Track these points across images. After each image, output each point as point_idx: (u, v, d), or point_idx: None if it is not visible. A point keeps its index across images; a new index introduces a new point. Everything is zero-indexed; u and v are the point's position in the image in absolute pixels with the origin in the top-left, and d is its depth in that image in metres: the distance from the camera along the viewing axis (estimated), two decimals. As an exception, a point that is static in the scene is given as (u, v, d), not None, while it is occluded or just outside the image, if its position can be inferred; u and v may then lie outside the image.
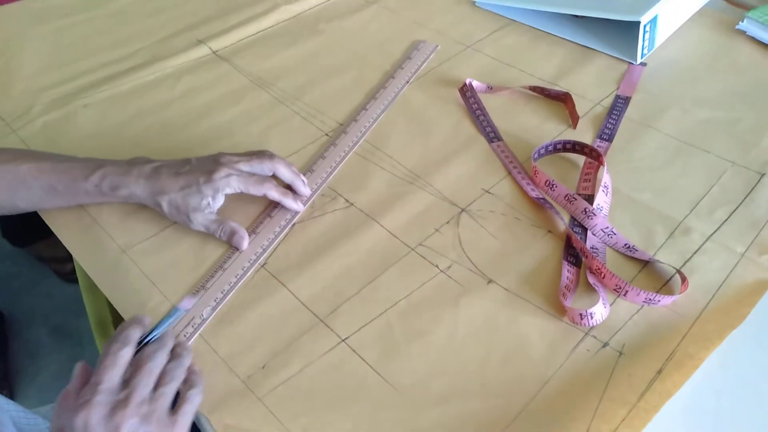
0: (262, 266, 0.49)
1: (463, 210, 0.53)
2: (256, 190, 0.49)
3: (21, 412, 0.51)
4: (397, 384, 0.41)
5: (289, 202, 0.51)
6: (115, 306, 0.47)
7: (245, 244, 0.49)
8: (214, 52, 0.72)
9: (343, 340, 0.44)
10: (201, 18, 0.78)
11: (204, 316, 0.45)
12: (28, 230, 1.22)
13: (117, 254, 0.50)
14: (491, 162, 0.57)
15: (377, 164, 0.57)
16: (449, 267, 0.48)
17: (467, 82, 0.65)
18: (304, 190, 0.53)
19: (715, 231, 0.50)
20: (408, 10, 0.78)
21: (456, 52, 0.71)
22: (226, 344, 0.44)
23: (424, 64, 0.69)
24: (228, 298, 0.46)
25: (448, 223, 0.52)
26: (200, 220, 0.49)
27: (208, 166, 0.50)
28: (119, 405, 0.34)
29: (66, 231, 0.53)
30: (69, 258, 1.28)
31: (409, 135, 0.60)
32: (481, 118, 0.62)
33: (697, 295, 0.45)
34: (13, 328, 1.22)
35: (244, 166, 0.50)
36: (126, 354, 0.37)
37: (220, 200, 0.50)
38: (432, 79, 0.67)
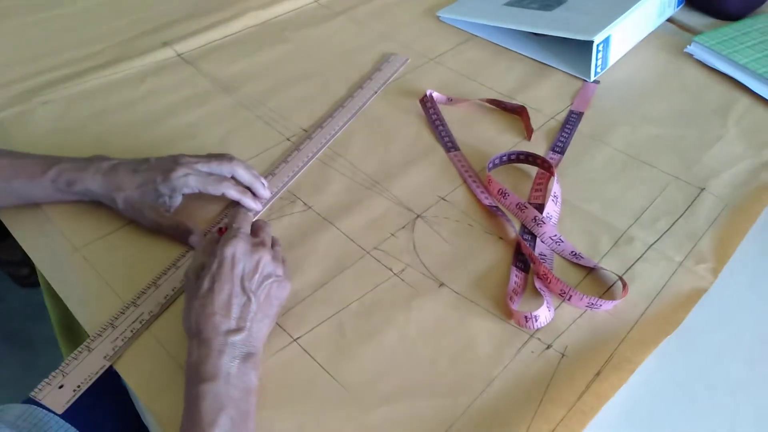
0: (218, 266, 0.49)
1: (418, 216, 0.54)
2: (215, 189, 0.50)
3: None
4: (346, 383, 0.42)
5: (247, 201, 0.52)
6: (67, 305, 0.47)
7: (198, 243, 0.50)
8: (179, 55, 0.73)
9: (294, 340, 0.44)
10: (168, 20, 0.78)
11: (153, 312, 0.45)
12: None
13: (70, 253, 0.50)
14: (448, 171, 0.59)
15: (337, 170, 0.58)
16: (403, 270, 0.49)
17: (428, 93, 0.67)
18: (264, 192, 0.54)
19: (656, 240, 0.52)
20: (374, 22, 0.80)
21: (419, 64, 0.73)
22: (177, 341, 0.44)
23: (393, 76, 0.70)
24: (180, 295, 0.46)
25: (403, 228, 0.53)
26: (155, 218, 0.49)
27: (166, 165, 0.50)
28: (257, 244, 0.42)
29: (21, 230, 0.52)
30: (25, 262, 1.26)
31: (369, 142, 0.62)
32: (440, 128, 0.64)
33: (637, 300, 0.47)
34: (-37, 332, 1.18)
35: (203, 167, 0.50)
36: (251, 214, 0.49)
37: (178, 200, 0.50)
38: (394, 90, 0.69)
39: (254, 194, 0.53)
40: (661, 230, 0.53)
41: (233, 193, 0.51)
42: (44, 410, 0.55)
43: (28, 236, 0.52)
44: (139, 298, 0.46)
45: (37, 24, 0.77)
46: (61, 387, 0.41)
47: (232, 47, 0.75)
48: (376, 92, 0.68)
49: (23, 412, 0.55)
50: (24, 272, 1.23)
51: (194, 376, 0.37)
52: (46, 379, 0.42)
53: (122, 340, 0.43)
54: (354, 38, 0.77)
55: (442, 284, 0.48)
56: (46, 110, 0.64)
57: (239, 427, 0.36)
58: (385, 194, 0.56)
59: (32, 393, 0.41)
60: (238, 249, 0.41)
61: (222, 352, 0.38)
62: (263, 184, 0.54)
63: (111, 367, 0.43)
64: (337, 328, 0.45)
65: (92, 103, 0.65)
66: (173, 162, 0.50)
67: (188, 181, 0.49)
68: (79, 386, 0.41)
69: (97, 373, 0.42)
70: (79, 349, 0.43)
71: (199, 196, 0.51)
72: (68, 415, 0.55)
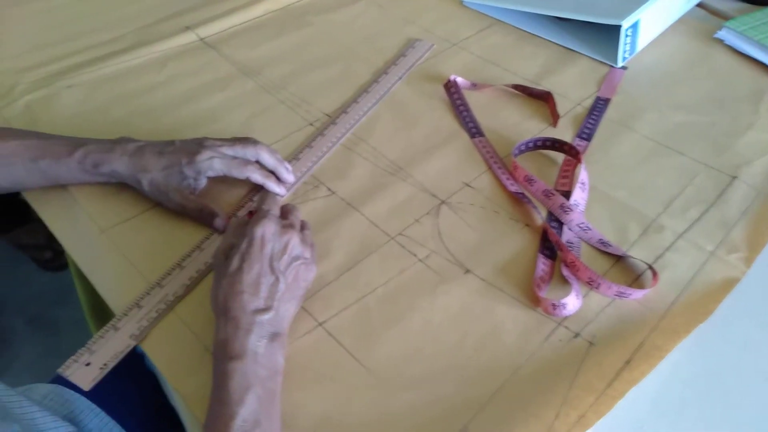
0: (242, 250, 0.49)
1: (443, 202, 0.53)
2: (239, 172, 0.50)
3: (3, 390, 0.50)
4: (371, 368, 0.42)
5: (271, 184, 0.52)
6: (94, 285, 0.47)
7: (223, 226, 0.50)
8: (201, 39, 0.72)
9: (320, 324, 0.44)
10: (190, 5, 0.78)
11: (178, 293, 0.45)
12: (8, 217, 1.21)
13: (96, 234, 0.50)
14: (472, 156, 0.58)
15: (360, 155, 0.58)
16: (427, 256, 0.49)
17: (452, 78, 0.66)
18: (288, 176, 0.53)
19: (687, 229, 0.51)
20: (396, 7, 0.79)
21: (443, 49, 0.72)
22: (203, 322, 0.44)
23: (418, 62, 0.69)
24: (204, 277, 0.46)
25: (428, 214, 0.52)
26: (180, 200, 0.49)
27: (191, 148, 0.50)
28: (286, 226, 0.43)
29: (48, 211, 0.53)
30: (48, 245, 1.27)
31: (393, 128, 0.61)
32: (464, 113, 0.63)
33: (667, 290, 0.46)
34: (-12, 315, 1.20)
35: (228, 150, 0.50)
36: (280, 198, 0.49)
37: (202, 182, 0.50)
38: (418, 75, 0.68)
39: (278, 178, 0.53)
40: (691, 219, 0.52)
41: (257, 176, 0.51)
42: (71, 390, 0.56)
43: (55, 218, 0.52)
44: (164, 279, 0.46)
45: (61, 8, 0.77)
46: (87, 365, 0.42)
47: (254, 31, 0.74)
48: (400, 78, 0.67)
49: (50, 392, 0.56)
50: (47, 256, 1.25)
51: (222, 353, 0.37)
52: (73, 356, 0.42)
53: (147, 320, 0.44)
54: (376, 22, 0.76)
55: (467, 271, 0.48)
56: (70, 94, 0.64)
57: (265, 406, 0.36)
58: (409, 180, 0.55)
59: (59, 369, 0.42)
60: (267, 229, 0.41)
61: (249, 331, 0.38)
62: (287, 168, 0.53)
63: (136, 349, 0.43)
64: (362, 312, 0.45)
65: (115, 87, 0.65)
66: (198, 145, 0.50)
67: (213, 164, 0.49)
68: (105, 364, 0.42)
69: (123, 351, 0.42)
70: (105, 328, 0.43)
71: (224, 180, 0.51)
72: (94, 396, 0.56)
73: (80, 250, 0.49)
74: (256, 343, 0.38)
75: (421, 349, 0.43)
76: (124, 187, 0.52)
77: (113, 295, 0.46)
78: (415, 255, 0.49)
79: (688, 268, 0.48)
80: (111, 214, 0.51)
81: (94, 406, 0.56)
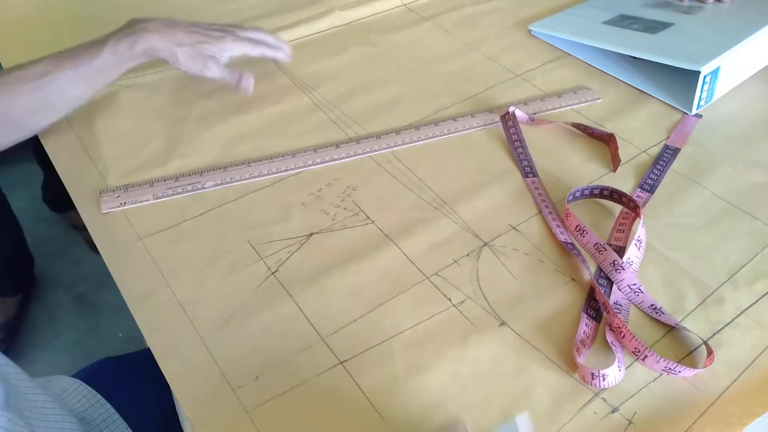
0: (273, 274, 0.48)
1: (485, 244, 0.51)
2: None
3: (20, 373, 0.51)
4: (389, 417, 0.40)
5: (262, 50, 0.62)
6: (121, 291, 0.47)
7: (250, 86, 0.59)
8: (261, 50, 0.72)
9: (341, 363, 0.42)
10: (256, 14, 0.78)
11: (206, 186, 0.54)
12: (65, 196, 1.25)
13: (133, 241, 0.50)
14: (523, 197, 0.55)
15: (405, 185, 0.56)
16: (462, 302, 0.46)
17: (510, 110, 0.63)
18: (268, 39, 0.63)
19: (752, 305, 0.46)
20: (462, 31, 0.77)
21: (504, 79, 0.69)
22: (223, 349, 0.43)
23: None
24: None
25: (468, 255, 0.50)
26: (214, 68, 0.58)
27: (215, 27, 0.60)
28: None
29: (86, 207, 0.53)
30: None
31: (442, 158, 0.59)
32: (519, 150, 0.60)
33: (723, 371, 0.42)
34: (38, 290, 1.25)
35: (241, 33, 0.62)
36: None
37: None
38: (475, 104, 0.66)
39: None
40: (758, 294, 0.47)
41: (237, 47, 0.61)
42: (89, 388, 0.56)
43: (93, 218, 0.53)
44: (206, 171, 0.56)
45: (132, 7, 0.79)
46: (117, 197, 0.52)
47: (315, 46, 0.74)
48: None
49: (70, 386, 0.56)
50: (98, 240, 1.29)
51: None
52: (114, 188, 0.53)
53: (174, 191, 0.53)
54: (439, 46, 0.74)
55: (503, 323, 0.45)
56: (128, 94, 0.65)
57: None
58: (452, 216, 0.53)
59: (102, 190, 0.53)
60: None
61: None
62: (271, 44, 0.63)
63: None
64: (386, 355, 0.43)
65: (173, 91, 0.66)
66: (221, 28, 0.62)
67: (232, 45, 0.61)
68: (124, 203, 0.52)
69: (141, 201, 0.52)
70: (146, 180, 0.54)
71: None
72: (111, 395, 0.56)
73: (113, 252, 0.49)
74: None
75: (443, 405, 0.40)
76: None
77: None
78: (449, 299, 0.46)
79: (750, 350, 0.44)
80: (150, 225, 0.52)
81: (109, 406, 0.56)
